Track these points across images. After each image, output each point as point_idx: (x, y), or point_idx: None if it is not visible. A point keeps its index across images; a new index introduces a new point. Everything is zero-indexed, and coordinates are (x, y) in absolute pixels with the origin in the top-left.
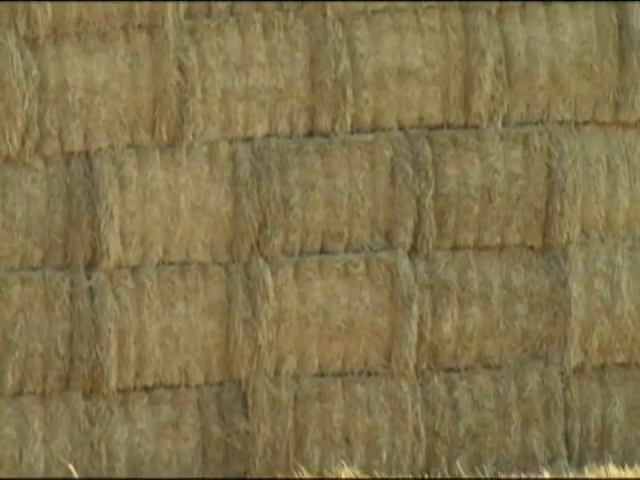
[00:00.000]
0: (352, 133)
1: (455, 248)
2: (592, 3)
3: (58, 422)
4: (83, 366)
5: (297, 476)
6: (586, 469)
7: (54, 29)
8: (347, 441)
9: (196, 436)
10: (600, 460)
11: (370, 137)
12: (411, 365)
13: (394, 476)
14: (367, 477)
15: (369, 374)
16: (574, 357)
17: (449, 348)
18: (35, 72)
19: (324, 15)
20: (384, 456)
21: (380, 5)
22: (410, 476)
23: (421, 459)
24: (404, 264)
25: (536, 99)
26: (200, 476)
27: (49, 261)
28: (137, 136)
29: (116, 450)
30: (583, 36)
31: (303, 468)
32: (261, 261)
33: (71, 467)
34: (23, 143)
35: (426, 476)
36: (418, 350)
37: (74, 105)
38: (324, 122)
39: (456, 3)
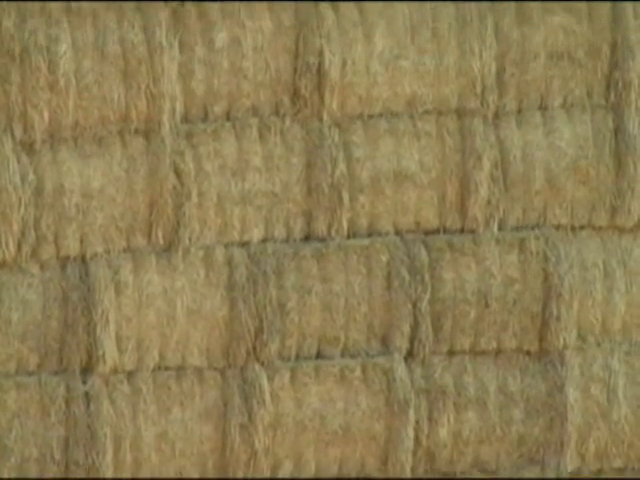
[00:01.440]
0: (348, 237)
1: (451, 353)
2: (588, 108)
3: None
4: (79, 471)
5: None
6: None
7: (50, 134)
8: None
9: None
10: None
11: (366, 241)
12: (407, 470)
13: None
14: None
15: (366, 479)
16: (570, 462)
17: (445, 453)
18: (31, 177)
19: (320, 120)
20: None
21: (376, 110)
22: None
23: None
24: (400, 369)
25: (532, 203)
26: None
27: (45, 366)
28: (133, 240)
29: None
30: (579, 141)
31: None
32: (257, 366)
33: None
34: (19, 248)
35: None
36: (414, 455)
37: (70, 210)
38: (320, 226)
39: (452, 108)
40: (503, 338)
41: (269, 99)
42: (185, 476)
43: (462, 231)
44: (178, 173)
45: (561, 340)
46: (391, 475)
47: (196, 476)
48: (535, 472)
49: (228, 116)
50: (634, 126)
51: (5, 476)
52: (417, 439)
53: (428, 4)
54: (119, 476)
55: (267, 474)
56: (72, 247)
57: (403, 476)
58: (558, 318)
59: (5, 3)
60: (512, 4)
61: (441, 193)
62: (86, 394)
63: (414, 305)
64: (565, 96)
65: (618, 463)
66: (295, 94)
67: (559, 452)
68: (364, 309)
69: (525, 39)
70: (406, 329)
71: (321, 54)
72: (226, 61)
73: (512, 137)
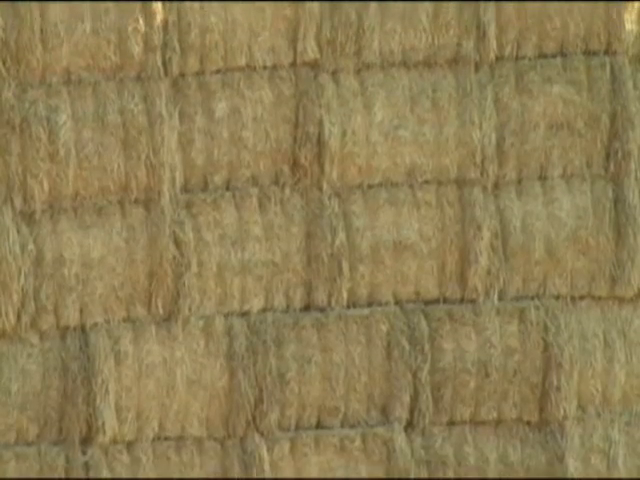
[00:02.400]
0: (348, 307)
1: (451, 423)
2: (588, 178)
3: None
4: None
5: None
6: None
7: (50, 204)
8: None
9: None
10: None
11: (366, 311)
12: None
13: None
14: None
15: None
16: None
17: None
18: (31, 247)
19: (320, 189)
20: None
21: (376, 180)
22: None
23: None
24: (400, 439)
25: (532, 273)
26: None
27: (44, 436)
28: (133, 310)
29: None
30: (579, 211)
31: None
32: (257, 436)
33: None
34: (19, 318)
35: None
36: None
37: (70, 280)
38: (320, 296)
39: (452, 178)
40: (503, 408)
41: (269, 169)
42: None
43: (462, 301)
44: (178, 243)
45: (561, 410)
46: None
47: None
48: None
49: (228, 186)
50: (634, 196)
51: None
52: None
53: (428, 74)
54: None
55: None
56: (72, 317)
57: None
58: (558, 388)
59: (5, 74)
60: (512, 74)
61: (441, 263)
62: (85, 464)
63: (414, 375)
64: (565, 166)
65: None
66: (295, 164)
67: None
68: (364, 379)
69: (525, 109)
70: (406, 399)
71: (321, 124)
72: (226, 131)
73: (512, 207)
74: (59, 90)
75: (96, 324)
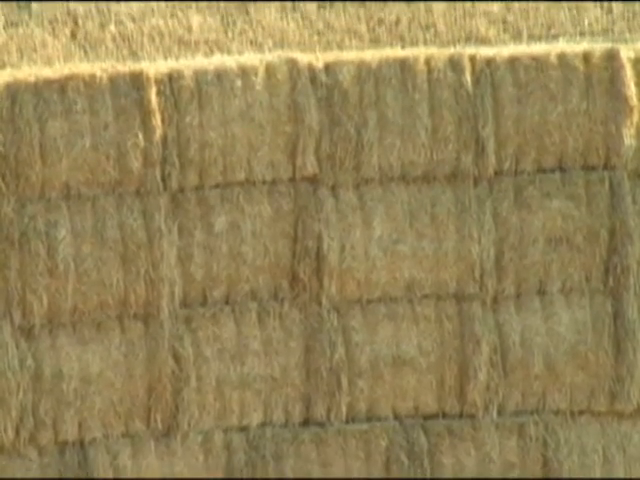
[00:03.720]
0: (347, 422)
1: None
2: (587, 293)
3: None
4: None
5: None
6: None
7: (49, 319)
8: None
9: None
10: None
11: (365, 426)
12: None
13: None
14: None
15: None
16: None
17: None
18: (30, 362)
19: (319, 304)
20: None
21: (375, 294)
22: None
23: None
24: None
25: (531, 388)
26: None
27: None
28: (132, 425)
29: None
30: (578, 326)
31: None
32: None
33: None
34: (17, 433)
35: None
36: None
37: (68, 395)
38: (319, 411)
39: (451, 292)
40: None
41: (268, 283)
42: None
43: (461, 416)
44: (177, 358)
45: None
46: None
47: None
48: None
49: (227, 300)
50: (633, 311)
51: None
52: None
53: (427, 189)
54: None
55: None
56: (70, 432)
57: None
58: None
59: (4, 189)
60: (511, 189)
61: (440, 378)
62: None
63: None
64: (564, 281)
65: None
66: (294, 278)
67: None
68: None
69: (524, 224)
70: None
71: (320, 239)
72: (225, 245)
73: (511, 322)
74: (58, 205)
75: (95, 439)
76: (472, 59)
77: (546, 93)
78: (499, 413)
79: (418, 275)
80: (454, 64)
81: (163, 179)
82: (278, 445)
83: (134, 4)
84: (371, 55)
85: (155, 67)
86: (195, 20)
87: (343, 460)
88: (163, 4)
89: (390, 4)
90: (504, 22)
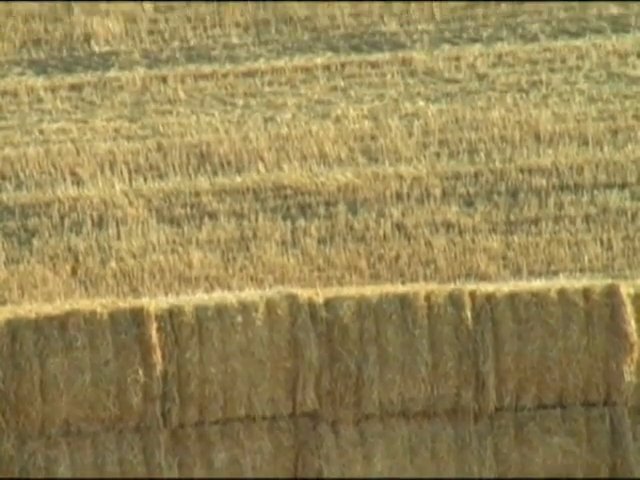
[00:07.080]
0: None
1: None
2: None
3: None
4: None
5: None
6: None
7: None
8: None
9: None
10: None
11: None
12: None
13: None
14: None
15: None
16: None
17: None
18: None
19: None
20: None
21: None
22: None
23: None
24: None
25: None
26: None
27: None
28: None
29: None
30: None
31: None
32: None
33: None
34: None
35: None
36: None
37: None
38: None
39: None
40: None
41: None
42: None
43: None
44: None
45: None
46: None
47: None
48: None
49: None
50: None
51: None
52: None
53: (427, 425)
54: None
55: None
56: None
57: None
58: None
59: (4, 425)
60: (511, 425)
61: None
62: None
63: None
64: None
65: None
66: None
67: None
68: None
69: (524, 460)
70: None
71: (320, 474)
72: None
73: None
74: (58, 441)
75: None
76: (472, 295)
77: (546, 329)
78: None
79: None
80: (454, 300)
81: (163, 415)
82: None
83: (134, 241)
84: (371, 291)
85: (156, 303)
86: (195, 256)
87: None
88: (164, 240)
89: (390, 241)
90: (504, 258)
